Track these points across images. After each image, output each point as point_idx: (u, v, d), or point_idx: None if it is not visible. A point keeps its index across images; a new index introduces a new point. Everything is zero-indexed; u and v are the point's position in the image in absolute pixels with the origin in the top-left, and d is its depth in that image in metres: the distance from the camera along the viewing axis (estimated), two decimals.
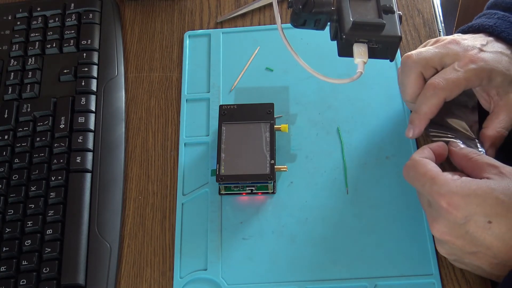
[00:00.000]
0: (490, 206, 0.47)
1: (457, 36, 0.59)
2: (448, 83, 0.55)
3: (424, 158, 0.52)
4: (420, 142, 0.62)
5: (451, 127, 0.59)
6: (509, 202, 0.47)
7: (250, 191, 0.60)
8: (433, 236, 0.57)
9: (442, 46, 0.57)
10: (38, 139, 0.63)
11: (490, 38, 0.58)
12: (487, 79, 0.56)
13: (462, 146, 0.55)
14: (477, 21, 0.61)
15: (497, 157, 0.59)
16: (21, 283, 0.55)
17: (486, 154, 0.57)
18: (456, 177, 0.50)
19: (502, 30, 0.58)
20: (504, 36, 0.58)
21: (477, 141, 0.58)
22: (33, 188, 0.60)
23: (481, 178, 0.50)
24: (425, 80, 0.57)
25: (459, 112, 0.60)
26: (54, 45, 0.69)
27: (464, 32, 0.61)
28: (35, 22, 0.71)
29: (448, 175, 0.50)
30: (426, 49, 0.57)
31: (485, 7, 0.63)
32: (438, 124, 0.59)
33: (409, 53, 0.58)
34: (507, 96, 0.57)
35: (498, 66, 0.56)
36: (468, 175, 0.51)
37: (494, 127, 0.57)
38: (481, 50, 0.56)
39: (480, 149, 0.57)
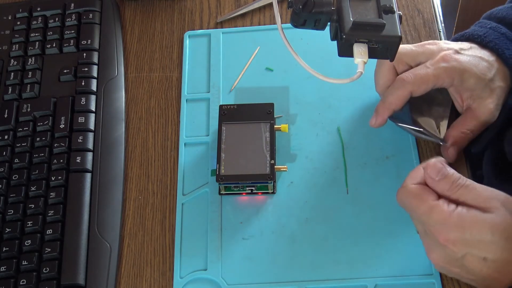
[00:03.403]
0: (485, 244, 0.47)
1: (441, 41, 0.60)
2: (416, 78, 0.56)
3: (418, 183, 0.50)
4: (420, 143, 0.62)
5: (418, 125, 0.60)
6: (504, 241, 0.46)
7: (250, 191, 0.60)
8: None
9: (420, 45, 0.59)
10: (38, 139, 0.63)
11: (474, 45, 0.59)
12: (459, 79, 0.56)
13: (443, 172, 0.49)
14: (469, 30, 0.61)
15: (488, 174, 0.59)
16: (21, 283, 0.55)
17: (447, 152, 0.58)
18: (452, 207, 0.48)
19: (490, 40, 0.58)
20: (491, 46, 0.58)
21: (441, 142, 0.59)
22: (33, 188, 0.60)
23: (478, 208, 0.48)
24: (397, 74, 0.59)
25: (432, 110, 0.61)
26: (54, 45, 0.69)
27: (456, 40, 0.61)
28: (35, 22, 0.71)
29: (444, 206, 0.48)
30: (403, 46, 0.59)
31: (482, 17, 0.63)
32: (407, 120, 0.60)
33: None
34: (479, 100, 0.57)
35: (473, 68, 0.56)
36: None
37: (459, 128, 0.58)
38: (457, 52, 0.57)
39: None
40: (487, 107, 0.57)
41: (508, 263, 0.47)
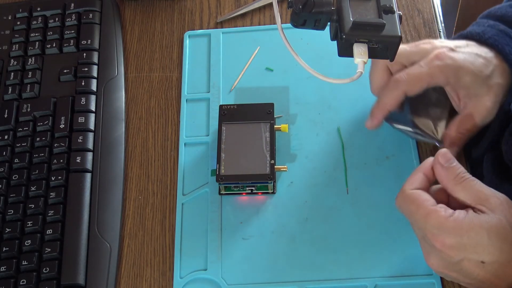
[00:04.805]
0: (482, 247, 0.47)
1: (435, 40, 0.59)
2: (410, 77, 0.55)
3: (416, 189, 0.50)
4: (420, 143, 0.62)
5: (416, 126, 0.60)
6: (501, 243, 0.47)
7: (250, 191, 0.60)
8: None
9: (413, 45, 0.58)
10: (38, 139, 0.63)
11: (472, 42, 0.58)
12: (455, 77, 0.55)
13: (451, 161, 0.51)
14: (467, 30, 0.60)
15: (488, 173, 0.59)
16: (21, 283, 0.55)
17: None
18: (449, 212, 0.48)
19: (489, 36, 0.57)
20: (490, 42, 0.57)
21: (437, 143, 0.58)
22: (33, 188, 0.60)
23: (472, 208, 0.49)
24: (391, 75, 0.58)
25: (430, 111, 0.60)
26: (54, 45, 0.69)
27: (454, 39, 0.60)
28: (35, 22, 0.71)
29: (441, 211, 0.48)
30: None
31: (478, 17, 0.63)
32: (406, 122, 0.60)
33: None
34: (476, 98, 0.56)
35: (469, 65, 0.55)
36: (454, 198, 0.50)
37: (456, 128, 0.57)
38: (452, 49, 0.56)
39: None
40: (485, 105, 0.56)
41: (505, 265, 0.47)
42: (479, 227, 0.47)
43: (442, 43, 0.57)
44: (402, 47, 0.58)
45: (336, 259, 0.57)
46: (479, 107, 0.56)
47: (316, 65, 0.55)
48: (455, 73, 0.55)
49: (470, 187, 0.49)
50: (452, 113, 0.60)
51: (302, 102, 0.66)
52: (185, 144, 0.64)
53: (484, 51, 0.57)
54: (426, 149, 0.62)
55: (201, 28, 0.72)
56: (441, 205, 0.49)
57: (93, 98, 0.66)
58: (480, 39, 0.57)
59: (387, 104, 0.57)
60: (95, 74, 0.68)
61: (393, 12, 0.53)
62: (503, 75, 0.57)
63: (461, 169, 0.50)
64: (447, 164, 0.50)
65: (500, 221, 0.47)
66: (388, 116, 0.59)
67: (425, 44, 0.58)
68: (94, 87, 0.67)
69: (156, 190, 0.62)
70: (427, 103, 0.61)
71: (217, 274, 0.57)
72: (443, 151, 0.51)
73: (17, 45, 0.70)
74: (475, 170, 0.61)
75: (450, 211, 0.48)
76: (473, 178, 0.50)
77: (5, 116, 0.64)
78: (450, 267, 0.49)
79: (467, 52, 0.56)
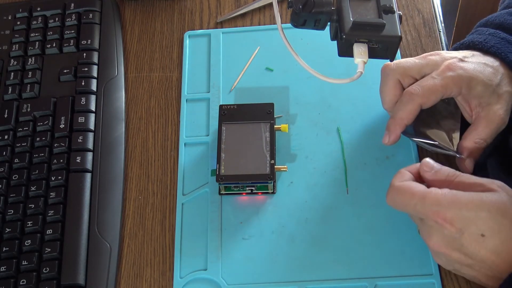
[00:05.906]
0: (482, 220, 0.47)
1: (442, 51, 0.59)
2: (424, 89, 0.55)
3: (405, 181, 0.52)
4: None
5: (430, 139, 0.59)
6: (501, 217, 0.47)
7: (250, 191, 0.60)
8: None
9: (422, 57, 0.58)
10: (38, 139, 0.63)
11: (477, 52, 0.58)
12: (467, 87, 0.55)
13: (436, 166, 0.52)
14: (468, 38, 0.60)
15: (494, 170, 0.59)
16: (21, 283, 0.55)
17: (464, 165, 0.57)
18: (445, 191, 0.49)
19: (492, 45, 0.57)
20: (493, 50, 0.57)
21: (457, 155, 0.58)
22: (33, 188, 0.60)
23: (476, 190, 0.49)
24: (403, 89, 0.58)
25: (442, 123, 0.60)
26: (54, 45, 0.69)
27: (456, 49, 0.60)
28: (35, 22, 0.71)
29: (437, 191, 0.49)
30: (406, 60, 0.58)
31: (475, 26, 0.63)
32: (418, 134, 0.59)
33: (388, 62, 0.58)
34: (488, 107, 0.56)
35: (479, 75, 0.55)
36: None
37: (472, 138, 0.57)
38: (462, 60, 0.56)
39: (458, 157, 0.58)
40: (497, 113, 0.56)
41: (506, 243, 0.47)
42: (478, 201, 0.48)
43: (450, 54, 0.57)
44: (411, 60, 0.58)
45: (336, 259, 0.57)
46: (492, 116, 0.56)
47: (316, 65, 0.55)
48: (468, 83, 0.55)
49: (466, 180, 0.50)
50: (463, 123, 0.60)
51: (302, 102, 0.66)
52: (185, 144, 0.64)
53: (490, 60, 0.57)
54: (425, 150, 0.62)
55: (201, 28, 0.72)
56: (433, 187, 0.50)
57: (93, 98, 0.66)
58: (483, 48, 0.58)
59: (404, 119, 0.57)
60: (95, 74, 0.68)
61: (393, 12, 0.53)
62: (511, 83, 0.57)
63: (448, 170, 0.52)
64: (432, 171, 0.52)
65: (500, 197, 0.48)
66: (404, 130, 0.58)
67: (433, 55, 0.58)
68: (94, 87, 0.67)
69: (156, 190, 0.62)
70: (439, 114, 0.60)
71: (217, 274, 0.57)
72: (425, 160, 0.53)
73: (17, 45, 0.70)
74: (477, 174, 0.61)
75: (446, 189, 0.49)
76: (464, 173, 0.51)
77: (5, 116, 0.64)
78: (451, 245, 0.49)
79: (476, 62, 0.56)
